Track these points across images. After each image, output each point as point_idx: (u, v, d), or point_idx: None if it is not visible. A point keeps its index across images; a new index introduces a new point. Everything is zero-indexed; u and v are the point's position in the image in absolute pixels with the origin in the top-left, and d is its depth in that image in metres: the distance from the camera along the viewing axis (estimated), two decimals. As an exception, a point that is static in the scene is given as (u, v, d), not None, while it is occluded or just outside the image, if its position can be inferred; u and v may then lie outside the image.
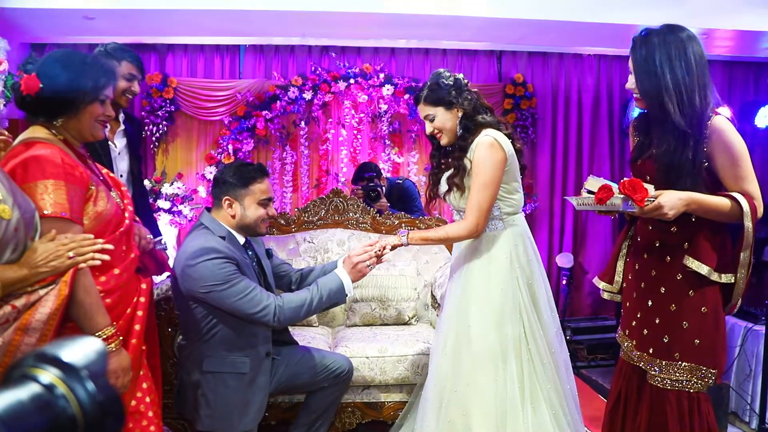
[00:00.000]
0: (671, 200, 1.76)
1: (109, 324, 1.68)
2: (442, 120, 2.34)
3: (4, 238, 1.38)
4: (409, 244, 2.41)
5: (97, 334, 1.65)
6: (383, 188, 4.09)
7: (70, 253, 1.51)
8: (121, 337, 1.72)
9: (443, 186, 2.42)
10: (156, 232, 2.79)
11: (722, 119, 1.81)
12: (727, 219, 1.83)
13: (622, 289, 2.15)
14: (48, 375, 0.54)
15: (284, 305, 2.25)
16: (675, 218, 1.80)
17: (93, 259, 1.55)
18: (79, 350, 0.58)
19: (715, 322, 1.88)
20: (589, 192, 1.89)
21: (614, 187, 1.81)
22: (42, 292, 1.46)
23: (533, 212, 5.18)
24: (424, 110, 2.38)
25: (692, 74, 1.79)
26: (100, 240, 1.60)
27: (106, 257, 1.59)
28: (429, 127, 2.38)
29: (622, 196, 1.78)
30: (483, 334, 2.29)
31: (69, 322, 1.64)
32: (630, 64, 1.91)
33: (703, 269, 1.84)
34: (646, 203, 1.75)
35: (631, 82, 1.92)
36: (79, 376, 0.55)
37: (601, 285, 2.19)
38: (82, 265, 1.54)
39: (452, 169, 2.36)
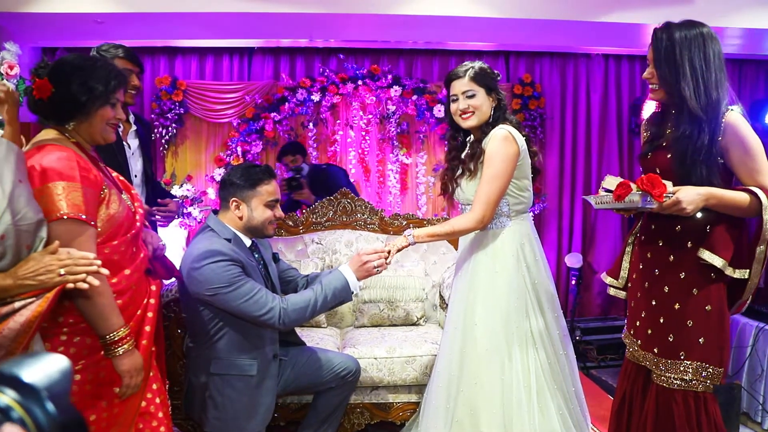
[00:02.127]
0: (690, 195, 1.76)
1: (123, 325, 1.70)
2: (482, 100, 2.32)
3: None
4: (416, 243, 2.39)
5: (111, 335, 1.67)
6: (305, 178, 4.29)
7: (62, 270, 1.43)
8: (133, 338, 1.74)
9: (458, 170, 2.41)
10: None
11: (736, 114, 1.82)
12: (745, 214, 1.83)
13: (626, 288, 2.15)
14: (4, 398, 0.52)
15: (288, 307, 2.24)
16: (682, 217, 1.79)
17: (84, 281, 1.47)
18: (41, 369, 0.55)
19: (719, 321, 1.88)
20: (607, 191, 1.89)
21: (632, 185, 1.82)
22: (18, 305, 1.36)
23: (542, 212, 5.17)
24: (464, 86, 2.32)
25: (710, 67, 1.82)
26: (98, 261, 1.52)
27: (96, 282, 1.50)
28: (463, 103, 2.32)
29: (640, 192, 1.78)
30: (489, 332, 2.29)
31: (82, 322, 1.66)
32: (650, 54, 1.92)
33: (718, 261, 1.83)
34: (664, 199, 1.75)
35: (648, 72, 1.94)
36: (39, 398, 0.53)
37: (608, 280, 2.22)
38: (70, 285, 1.45)
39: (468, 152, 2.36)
